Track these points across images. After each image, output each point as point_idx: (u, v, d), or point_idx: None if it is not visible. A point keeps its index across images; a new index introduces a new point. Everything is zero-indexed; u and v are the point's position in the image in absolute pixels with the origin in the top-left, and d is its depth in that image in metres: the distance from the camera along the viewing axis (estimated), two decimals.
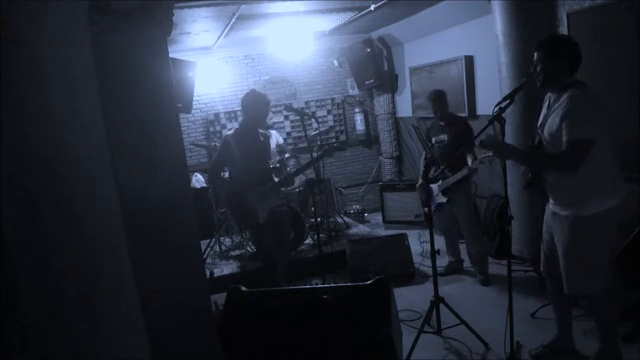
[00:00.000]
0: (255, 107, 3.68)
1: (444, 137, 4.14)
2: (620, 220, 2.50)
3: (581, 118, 2.33)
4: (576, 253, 2.49)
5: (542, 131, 2.54)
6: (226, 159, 3.73)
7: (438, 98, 4.13)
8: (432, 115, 4.35)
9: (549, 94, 2.60)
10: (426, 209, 3.97)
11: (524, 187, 2.77)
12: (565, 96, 2.41)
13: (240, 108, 3.91)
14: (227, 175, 4.20)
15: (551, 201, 2.63)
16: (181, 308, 2.25)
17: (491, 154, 3.52)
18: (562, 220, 2.53)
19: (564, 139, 2.36)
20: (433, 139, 4.26)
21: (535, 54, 2.50)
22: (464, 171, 3.82)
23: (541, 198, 2.75)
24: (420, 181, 4.28)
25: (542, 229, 2.77)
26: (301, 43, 6.18)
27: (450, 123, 4.15)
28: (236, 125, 5.77)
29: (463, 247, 4.41)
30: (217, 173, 3.81)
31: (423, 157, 4.42)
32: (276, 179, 3.78)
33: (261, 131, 3.84)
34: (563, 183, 2.50)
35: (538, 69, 2.48)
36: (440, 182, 4.09)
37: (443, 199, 4.12)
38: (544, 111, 2.62)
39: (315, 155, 3.70)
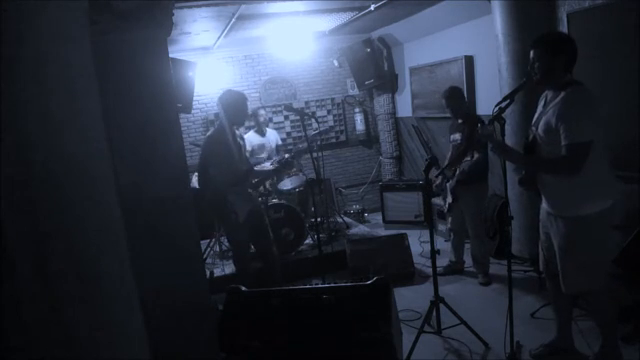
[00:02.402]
0: (236, 107, 3.66)
1: (458, 136, 4.08)
2: (616, 220, 2.50)
3: (578, 121, 2.32)
4: (571, 252, 2.49)
5: (536, 129, 2.54)
6: (211, 161, 3.70)
7: (449, 95, 4.05)
8: (432, 115, 4.34)
9: (546, 92, 2.60)
10: (426, 209, 3.96)
11: (518, 182, 2.77)
12: (561, 96, 2.41)
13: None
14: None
15: (545, 201, 2.62)
16: (181, 308, 2.25)
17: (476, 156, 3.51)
18: (557, 220, 2.53)
19: (562, 142, 2.35)
20: (451, 137, 4.21)
21: (532, 51, 2.49)
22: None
23: (536, 198, 2.76)
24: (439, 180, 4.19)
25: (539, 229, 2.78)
26: (301, 43, 6.19)
27: (465, 121, 4.06)
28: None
29: (467, 247, 4.41)
30: (206, 175, 3.79)
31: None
32: (253, 180, 3.82)
33: (237, 132, 3.83)
34: (558, 184, 2.50)
35: (535, 66, 2.47)
36: (449, 182, 4.08)
37: (450, 199, 4.11)
38: (540, 109, 2.61)
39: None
